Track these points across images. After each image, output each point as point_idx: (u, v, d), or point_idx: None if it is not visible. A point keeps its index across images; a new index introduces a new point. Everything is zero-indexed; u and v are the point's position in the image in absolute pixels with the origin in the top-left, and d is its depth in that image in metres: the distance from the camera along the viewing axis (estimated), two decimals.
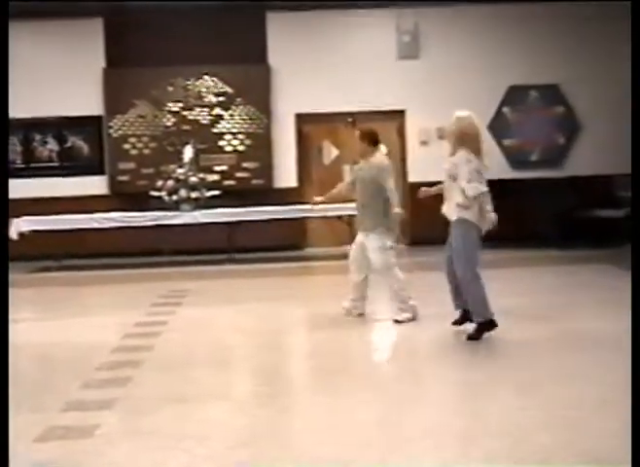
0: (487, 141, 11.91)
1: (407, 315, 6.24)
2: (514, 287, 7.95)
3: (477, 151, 5.52)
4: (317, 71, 11.91)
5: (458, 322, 5.78)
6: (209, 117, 11.90)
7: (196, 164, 11.10)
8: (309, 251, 12.09)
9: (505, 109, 12.25)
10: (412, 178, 11.94)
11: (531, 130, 12.22)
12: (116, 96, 11.65)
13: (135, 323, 6.60)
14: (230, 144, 11.96)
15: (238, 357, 5.55)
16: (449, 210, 5.57)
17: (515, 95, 12.18)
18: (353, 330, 6.26)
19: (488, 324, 5.49)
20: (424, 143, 12.18)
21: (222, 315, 7.05)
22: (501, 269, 9.34)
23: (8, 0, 5.20)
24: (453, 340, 5.58)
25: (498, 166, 12.05)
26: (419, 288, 6.96)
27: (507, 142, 12.29)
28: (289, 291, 8.19)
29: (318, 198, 6.98)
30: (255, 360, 5.33)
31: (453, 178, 5.49)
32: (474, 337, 5.46)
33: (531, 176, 12.01)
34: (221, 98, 11.89)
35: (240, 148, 11.97)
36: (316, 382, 4.77)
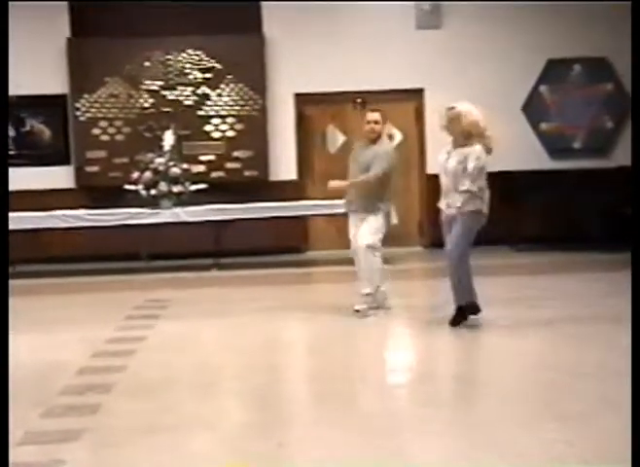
0: (522, 125, 12.20)
1: (367, 306, 7.13)
2: (552, 298, 7.92)
3: (489, 150, 6.56)
4: (321, 43, 11.90)
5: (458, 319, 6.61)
6: (193, 97, 11.90)
7: (179, 153, 11.10)
8: (311, 255, 12.08)
9: (542, 87, 12.24)
10: (432, 169, 11.91)
11: (573, 113, 12.20)
12: (83, 72, 11.65)
13: (106, 340, 6.60)
14: (218, 129, 11.96)
15: (226, 380, 5.54)
16: (457, 201, 6.43)
17: (554, 71, 12.16)
18: (360, 346, 6.28)
19: (471, 307, 6.57)
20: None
21: (208, 330, 7.05)
22: (538, 276, 9.33)
23: (8, 0, 5.30)
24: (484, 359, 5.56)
25: (534, 156, 12.06)
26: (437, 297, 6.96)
27: (544, 127, 12.27)
28: (287, 302, 8.19)
29: (335, 183, 7.26)
30: (246, 383, 5.32)
31: (463, 168, 6.41)
32: (456, 321, 6.55)
33: (573, 167, 12.00)
34: (207, 75, 11.89)
35: (230, 134, 11.96)
36: (317, 411, 4.76)
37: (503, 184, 11.93)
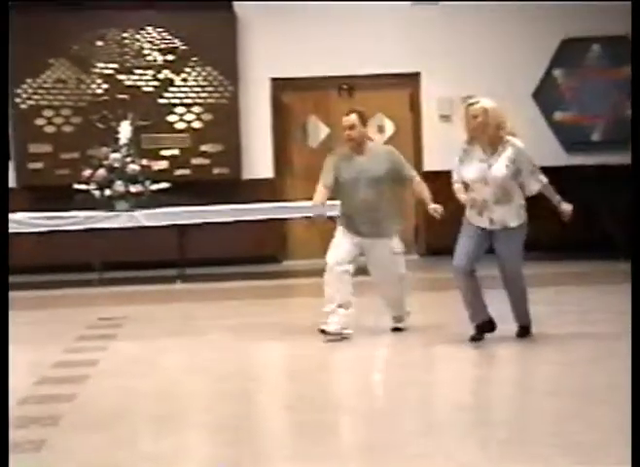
0: (532, 115, 12.26)
1: (339, 327, 6.95)
2: (570, 313, 7.96)
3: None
4: (301, 20, 11.93)
5: (478, 337, 6.74)
6: (154, 82, 11.91)
7: (137, 147, 11.10)
8: (290, 264, 12.08)
9: (556, 71, 12.31)
10: (430, 166, 11.96)
11: (592, 100, 12.27)
12: (24, 53, 11.62)
13: (52, 364, 6.57)
14: (182, 120, 11.97)
15: (190, 410, 5.52)
16: (507, 215, 6.55)
17: (569, 52, 12.24)
18: (344, 370, 6.28)
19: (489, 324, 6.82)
20: (445, 118, 12.20)
21: (169, 353, 7.03)
22: (553, 288, 9.37)
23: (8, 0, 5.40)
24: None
25: (546, 150, 12.10)
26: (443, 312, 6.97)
27: (558, 116, 12.34)
28: (261, 320, 8.20)
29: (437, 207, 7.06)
30: (213, 414, 5.30)
31: (514, 175, 6.51)
32: (523, 334, 6.82)
33: (592, 162, 12.06)
34: (170, 57, 11.90)
35: (197, 125, 11.98)
36: (295, 445, 4.75)
37: None
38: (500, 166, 6.46)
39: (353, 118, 7.03)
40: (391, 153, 7.19)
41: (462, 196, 6.60)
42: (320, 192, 7.11)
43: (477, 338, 6.71)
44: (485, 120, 6.43)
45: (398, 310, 7.34)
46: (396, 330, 7.30)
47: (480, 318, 6.74)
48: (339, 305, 6.99)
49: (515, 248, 6.66)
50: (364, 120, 7.14)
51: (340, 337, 6.98)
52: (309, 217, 7.50)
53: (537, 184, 6.60)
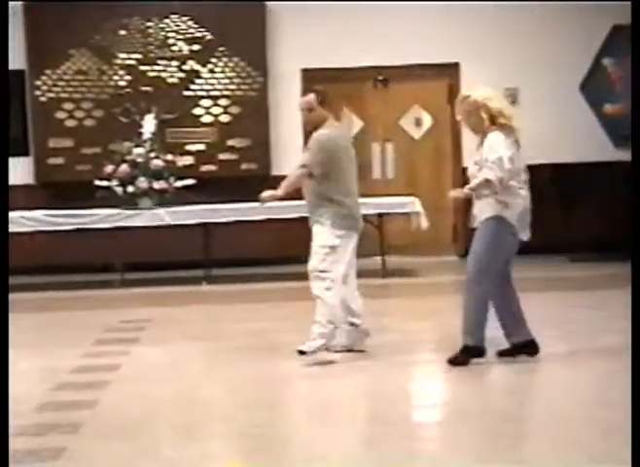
0: (580, 107, 12.18)
1: (316, 343, 6.60)
2: (615, 319, 7.92)
3: (517, 144, 6.44)
4: (334, 9, 11.92)
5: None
6: (179, 74, 11.94)
7: (161, 142, 11.14)
8: None
9: (606, 60, 12.23)
10: (469, 161, 11.89)
11: None
12: (43, 44, 11.71)
13: (72, 368, 6.63)
14: (209, 113, 12.00)
15: (214, 418, 5.56)
16: (482, 209, 6.33)
17: (620, 39, 12.13)
18: (373, 376, 6.31)
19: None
20: None
21: (194, 358, 7.06)
22: (597, 292, 9.32)
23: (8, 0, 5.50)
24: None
25: (595, 144, 12.05)
26: None
27: (608, 108, 12.26)
28: (289, 323, 8.17)
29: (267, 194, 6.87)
30: (237, 421, 5.34)
31: (480, 168, 6.31)
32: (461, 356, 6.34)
33: None
34: (196, 47, 11.92)
35: (224, 118, 12.00)
36: (321, 455, 4.77)
37: (555, 179, 12.01)
38: (471, 163, 6.46)
39: (310, 98, 6.82)
40: (312, 137, 6.79)
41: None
42: None
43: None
44: (479, 115, 6.29)
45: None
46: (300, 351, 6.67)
47: (513, 338, 6.48)
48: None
49: (476, 243, 6.32)
50: (324, 100, 6.83)
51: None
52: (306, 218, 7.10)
53: (489, 174, 6.13)
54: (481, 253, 6.29)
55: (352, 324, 6.87)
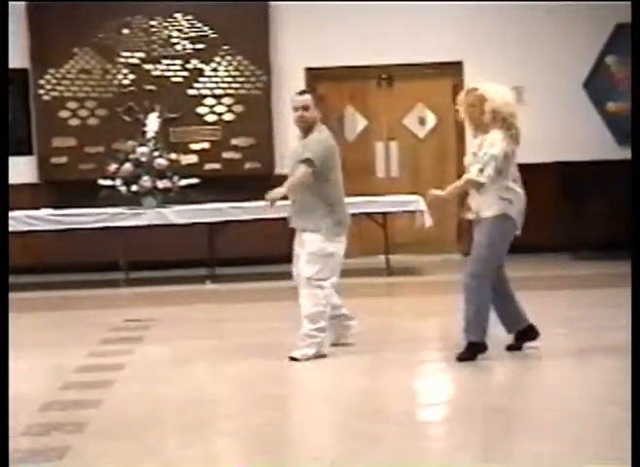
0: (583, 106, 12.15)
1: (311, 351, 6.64)
2: (622, 317, 7.90)
3: (516, 140, 6.43)
4: (337, 7, 11.91)
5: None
6: (183, 72, 11.94)
7: (165, 141, 11.14)
8: None
9: (609, 58, 12.21)
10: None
11: None
12: (47, 42, 11.70)
13: (77, 368, 6.61)
14: (212, 112, 11.99)
15: (220, 417, 5.54)
16: (483, 204, 6.33)
17: (624, 37, 12.10)
18: (384, 375, 6.32)
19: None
20: None
21: (198, 356, 7.03)
22: (604, 291, 9.30)
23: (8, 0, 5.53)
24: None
25: (598, 143, 12.02)
26: None
27: (612, 107, 12.24)
28: (295, 322, 8.16)
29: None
30: (244, 422, 5.31)
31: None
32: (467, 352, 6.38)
33: None
34: (200, 46, 11.92)
35: (228, 117, 12.00)
36: (330, 454, 4.75)
37: (560, 178, 11.98)
38: (469, 153, 6.44)
39: (307, 97, 6.77)
40: (314, 139, 6.70)
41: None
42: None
43: (515, 346, 6.59)
44: (481, 110, 6.27)
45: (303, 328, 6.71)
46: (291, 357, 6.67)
47: (515, 327, 6.57)
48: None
49: (479, 242, 6.31)
50: (317, 102, 6.86)
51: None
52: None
53: (479, 175, 6.16)
54: (487, 251, 6.28)
55: (339, 316, 6.92)
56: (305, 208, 6.69)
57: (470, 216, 6.43)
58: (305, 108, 6.70)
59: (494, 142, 6.19)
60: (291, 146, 7.17)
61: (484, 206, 6.28)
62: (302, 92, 6.89)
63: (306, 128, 6.75)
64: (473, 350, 6.37)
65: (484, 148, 6.21)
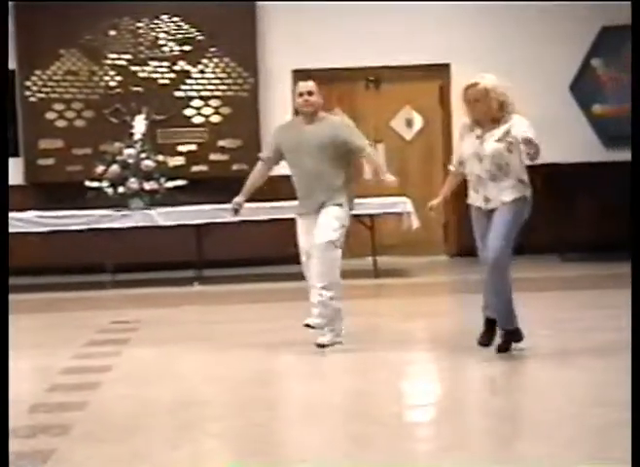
0: (569, 108, 12.17)
1: (334, 338, 6.86)
2: (610, 319, 7.91)
3: None
4: (325, 9, 11.90)
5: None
6: (170, 74, 11.92)
7: (152, 143, 11.12)
8: None
9: (595, 61, 12.23)
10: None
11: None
12: (34, 43, 11.66)
13: (63, 369, 6.58)
14: (200, 113, 11.98)
15: (209, 419, 5.50)
16: (502, 192, 6.32)
17: (610, 40, 12.15)
18: (370, 376, 6.31)
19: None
20: None
21: (186, 358, 7.03)
22: (591, 292, 9.31)
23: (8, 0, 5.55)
24: None
25: (584, 145, 12.04)
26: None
27: (597, 109, 12.26)
28: (283, 324, 8.17)
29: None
30: (233, 424, 5.29)
31: (509, 149, 6.31)
32: (505, 343, 6.47)
33: None
34: (187, 48, 11.90)
35: (215, 119, 11.98)
36: (317, 456, 4.73)
37: (547, 179, 11.94)
38: (491, 141, 6.31)
39: (312, 83, 7.03)
40: (340, 121, 7.14)
41: (445, 188, 6.70)
42: (256, 170, 7.28)
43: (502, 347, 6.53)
44: (488, 102, 6.25)
45: (321, 309, 6.91)
46: (320, 346, 6.87)
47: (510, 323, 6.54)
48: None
49: (501, 224, 6.31)
50: (320, 91, 7.10)
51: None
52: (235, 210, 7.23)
53: (512, 172, 6.35)
54: (509, 235, 6.32)
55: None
56: (330, 187, 6.91)
57: (490, 206, 6.39)
58: (310, 93, 6.95)
59: (522, 125, 6.24)
60: (286, 132, 7.17)
61: (506, 192, 6.33)
62: (306, 79, 7.17)
63: (311, 113, 6.98)
64: (512, 338, 6.46)
65: (516, 131, 6.21)
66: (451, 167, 6.70)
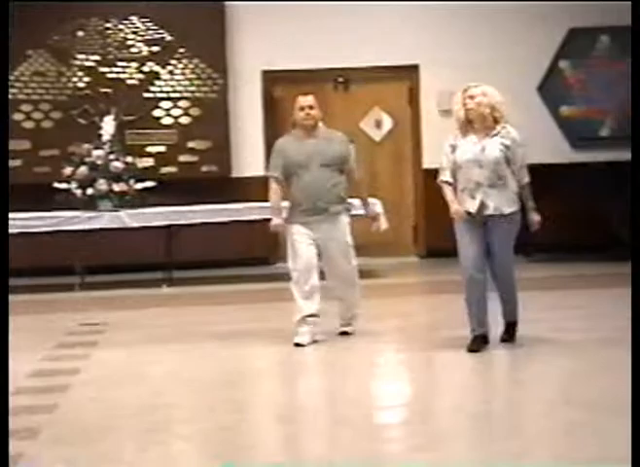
0: (537, 109, 12.22)
1: (309, 337, 7.15)
2: (576, 319, 7.95)
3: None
4: (294, 10, 11.90)
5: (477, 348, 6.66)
6: (139, 75, 11.87)
7: (121, 144, 11.07)
8: (282, 267, 12.02)
9: (562, 63, 12.29)
10: (429, 163, 11.91)
11: (600, 93, 12.25)
12: None
13: (30, 372, 6.54)
14: (169, 115, 11.95)
15: (177, 422, 5.49)
16: (503, 201, 6.54)
17: (577, 42, 12.22)
18: (341, 378, 6.30)
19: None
20: (445, 113, 12.12)
21: (155, 361, 6.99)
22: (557, 292, 9.35)
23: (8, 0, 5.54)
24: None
25: (552, 146, 12.10)
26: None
27: (565, 111, 12.32)
28: (251, 325, 8.18)
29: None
30: (201, 426, 5.27)
31: (508, 161, 6.56)
32: (509, 333, 6.90)
33: (600, 159, 12.04)
34: (156, 48, 11.86)
35: (184, 120, 11.95)
36: (286, 458, 4.72)
37: None
38: (494, 148, 6.50)
39: (311, 98, 7.33)
40: (344, 138, 7.49)
41: (449, 194, 6.65)
42: (274, 190, 7.32)
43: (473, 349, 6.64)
44: (481, 100, 6.51)
45: (349, 310, 7.53)
46: (344, 334, 7.45)
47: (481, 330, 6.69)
48: (310, 315, 7.14)
49: (506, 237, 6.69)
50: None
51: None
52: (269, 220, 7.47)
53: (527, 177, 6.68)
54: (512, 244, 6.75)
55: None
56: (336, 196, 7.28)
57: (487, 212, 6.55)
58: (311, 107, 7.28)
59: (518, 139, 6.60)
60: (290, 146, 7.36)
61: (508, 203, 6.57)
62: (305, 94, 7.39)
63: (312, 126, 7.31)
64: (515, 328, 6.89)
65: (519, 147, 6.59)
66: (447, 179, 6.66)
